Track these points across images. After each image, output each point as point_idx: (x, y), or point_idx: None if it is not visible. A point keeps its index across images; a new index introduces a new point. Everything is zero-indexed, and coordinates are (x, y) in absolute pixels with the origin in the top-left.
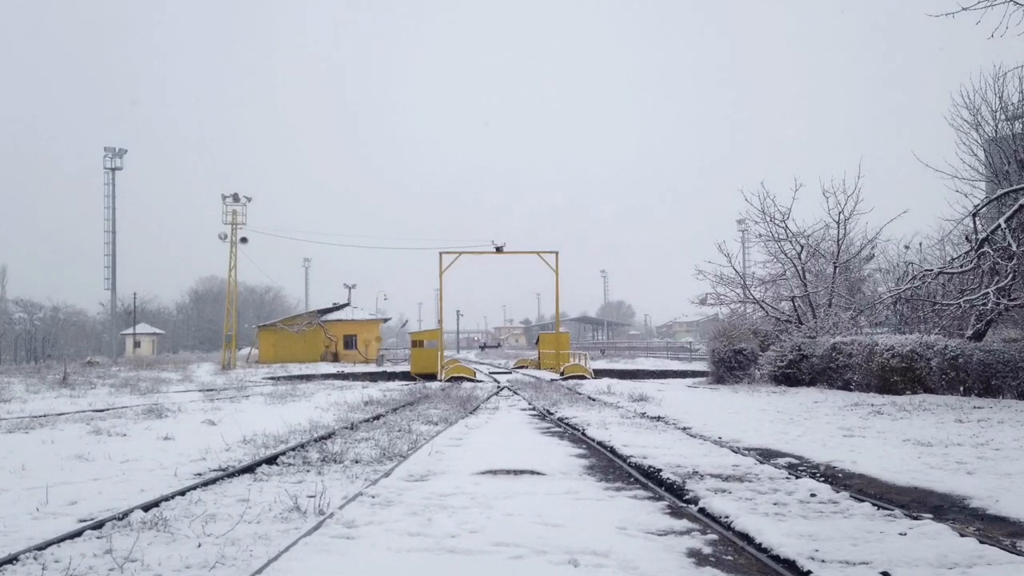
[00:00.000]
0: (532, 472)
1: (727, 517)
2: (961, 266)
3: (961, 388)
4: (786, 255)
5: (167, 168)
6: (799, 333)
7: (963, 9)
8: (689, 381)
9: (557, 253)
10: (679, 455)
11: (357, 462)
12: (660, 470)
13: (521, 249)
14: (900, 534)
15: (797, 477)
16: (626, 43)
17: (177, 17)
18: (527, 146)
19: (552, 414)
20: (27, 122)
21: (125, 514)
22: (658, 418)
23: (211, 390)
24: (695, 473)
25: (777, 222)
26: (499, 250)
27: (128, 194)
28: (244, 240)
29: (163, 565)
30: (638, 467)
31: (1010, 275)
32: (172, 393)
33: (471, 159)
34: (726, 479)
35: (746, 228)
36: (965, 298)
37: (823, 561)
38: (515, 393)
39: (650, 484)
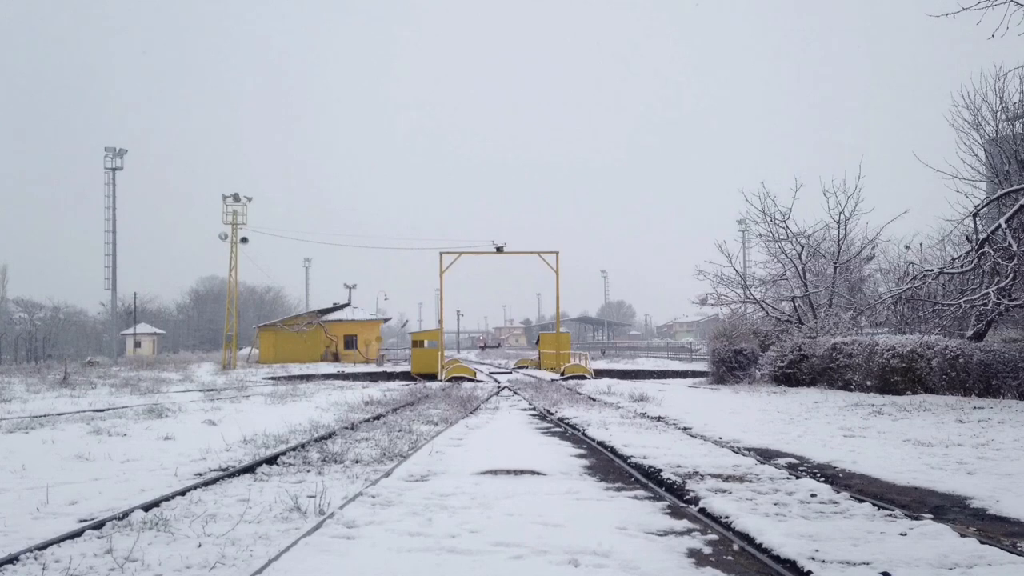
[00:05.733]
0: (532, 472)
1: (727, 517)
2: (962, 266)
3: (962, 388)
4: (786, 255)
5: (167, 168)
6: (799, 333)
7: (963, 9)
8: (689, 381)
9: (557, 253)
10: (679, 455)
11: (357, 462)
12: (660, 470)
13: (521, 249)
14: (901, 534)
15: (798, 477)
16: (627, 43)
17: (178, 17)
18: (528, 146)
19: (552, 414)
20: (27, 122)
21: (125, 514)
22: (658, 418)
23: (211, 390)
24: (695, 473)
25: (777, 222)
26: (499, 250)
27: (128, 194)
28: (244, 240)
29: (163, 565)
30: (638, 467)
31: (1010, 275)
32: (172, 393)
33: (472, 159)
34: (726, 479)
35: (746, 228)
36: (966, 298)
37: (823, 561)
38: (515, 393)
39: (650, 484)
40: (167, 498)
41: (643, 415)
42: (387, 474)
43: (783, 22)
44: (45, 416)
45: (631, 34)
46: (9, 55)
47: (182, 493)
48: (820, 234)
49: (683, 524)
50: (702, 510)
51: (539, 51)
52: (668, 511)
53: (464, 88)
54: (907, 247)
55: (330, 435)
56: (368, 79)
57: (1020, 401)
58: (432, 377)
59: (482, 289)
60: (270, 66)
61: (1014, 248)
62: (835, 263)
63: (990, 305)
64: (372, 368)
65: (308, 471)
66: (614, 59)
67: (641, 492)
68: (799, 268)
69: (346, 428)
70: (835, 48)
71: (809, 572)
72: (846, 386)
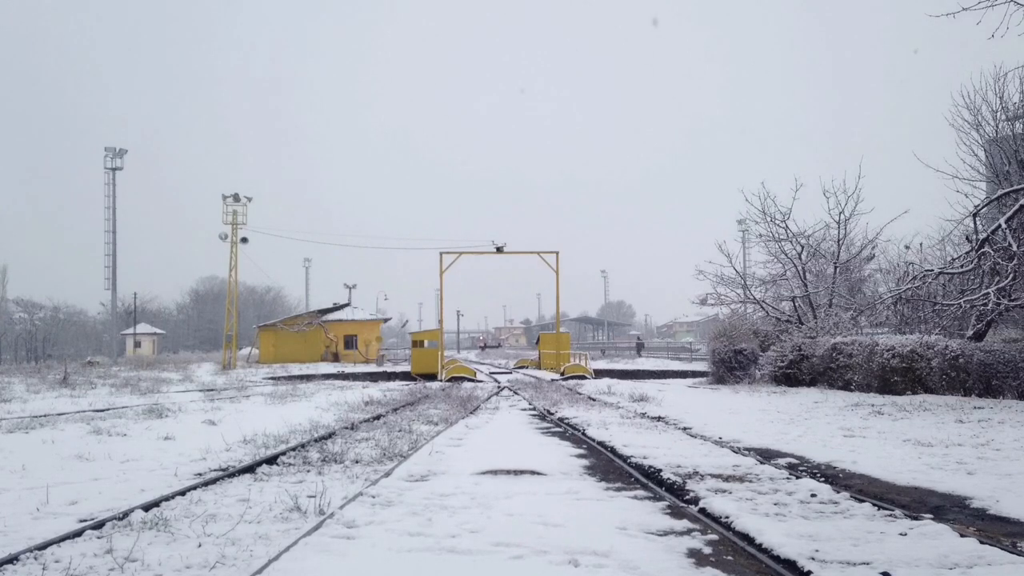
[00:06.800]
0: (532, 472)
1: (727, 517)
2: (962, 266)
3: (962, 388)
4: (786, 255)
5: (167, 168)
6: (799, 333)
7: (963, 9)
8: (689, 381)
9: (557, 253)
10: (679, 455)
11: (357, 462)
12: (660, 470)
13: (521, 249)
14: (900, 534)
15: (797, 477)
16: (626, 42)
17: (179, 17)
18: (528, 146)
19: (552, 414)
20: (27, 122)
21: (125, 514)
22: (658, 418)
23: (211, 390)
24: (695, 473)
25: (777, 222)
26: (499, 250)
27: (128, 194)
28: (244, 240)
29: (163, 565)
30: (638, 467)
31: (1010, 275)
32: (172, 393)
33: (472, 158)
34: (726, 479)
35: (746, 228)
36: (966, 298)
37: (823, 561)
38: (515, 393)
39: (650, 484)
40: (167, 498)
41: (643, 415)
42: (387, 474)
43: (783, 25)
44: (45, 416)
45: (632, 36)
46: (9, 55)
47: (182, 493)
48: (820, 234)
49: (683, 524)
50: (702, 510)
51: (539, 53)
52: (668, 511)
53: (464, 89)
54: (907, 247)
55: (330, 435)
56: (368, 80)
57: (1020, 401)
58: (432, 377)
59: (482, 289)
60: (270, 68)
61: (1014, 248)
62: (835, 263)
63: (990, 305)
64: (372, 368)
65: (308, 471)
66: (615, 61)
67: (641, 492)
68: (799, 268)
69: (346, 428)
70: (835, 48)
71: (809, 572)
72: (846, 386)
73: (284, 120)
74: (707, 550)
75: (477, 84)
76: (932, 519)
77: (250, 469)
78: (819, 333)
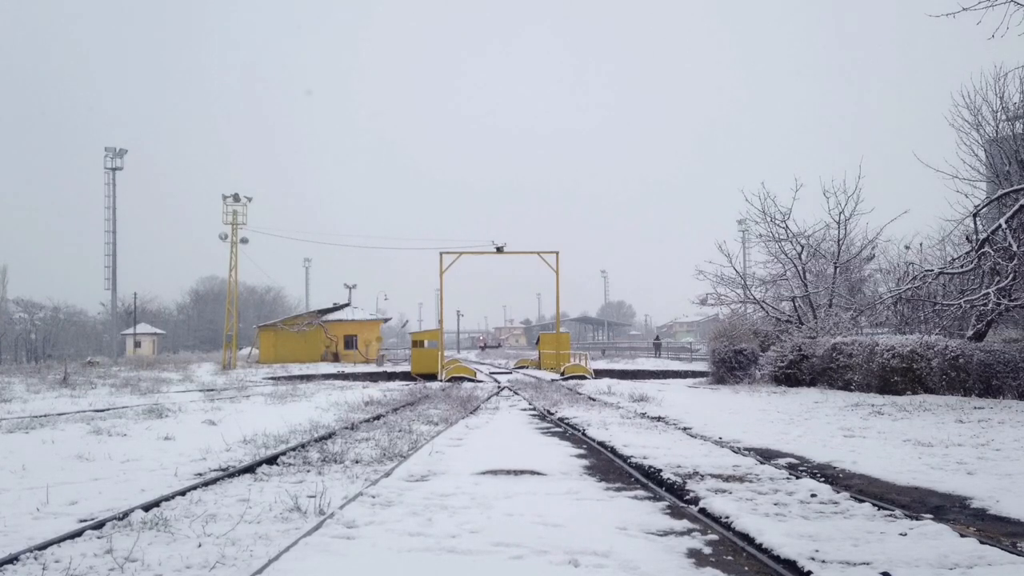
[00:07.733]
0: (532, 472)
1: (727, 517)
2: (962, 266)
3: (962, 388)
4: (787, 255)
5: (167, 168)
6: (799, 333)
7: (963, 9)
8: (689, 381)
9: (557, 253)
10: (679, 455)
11: (357, 462)
12: (660, 470)
13: (522, 249)
14: (901, 534)
15: (798, 477)
16: (626, 41)
17: (179, 17)
18: (527, 146)
19: (552, 414)
20: (27, 122)
21: (125, 514)
22: (658, 418)
23: (211, 390)
24: (695, 473)
25: (777, 222)
26: (500, 250)
27: (128, 194)
28: (244, 240)
29: (163, 565)
30: (638, 467)
31: (1011, 275)
32: (172, 393)
33: (472, 158)
34: (727, 479)
35: (746, 228)
36: (966, 298)
37: (824, 561)
38: (515, 393)
39: (650, 484)
40: (167, 498)
41: (643, 415)
42: (387, 474)
43: (782, 25)
44: (45, 416)
45: (632, 36)
46: (9, 55)
47: (182, 493)
48: (820, 234)
49: (683, 524)
50: (702, 510)
51: (539, 51)
52: (668, 511)
53: (464, 91)
54: (907, 247)
55: (330, 435)
56: (368, 82)
57: (1020, 401)
58: (432, 377)
59: (482, 289)
60: (270, 69)
61: (1014, 248)
62: (835, 263)
63: (990, 305)
64: (372, 368)
65: (308, 471)
66: (614, 62)
67: (641, 492)
68: (799, 268)
69: (346, 428)
70: (835, 49)
71: (809, 572)
72: (846, 386)
73: (285, 121)
74: (707, 550)
75: (477, 86)
76: (932, 519)
77: (250, 469)
78: (819, 333)
